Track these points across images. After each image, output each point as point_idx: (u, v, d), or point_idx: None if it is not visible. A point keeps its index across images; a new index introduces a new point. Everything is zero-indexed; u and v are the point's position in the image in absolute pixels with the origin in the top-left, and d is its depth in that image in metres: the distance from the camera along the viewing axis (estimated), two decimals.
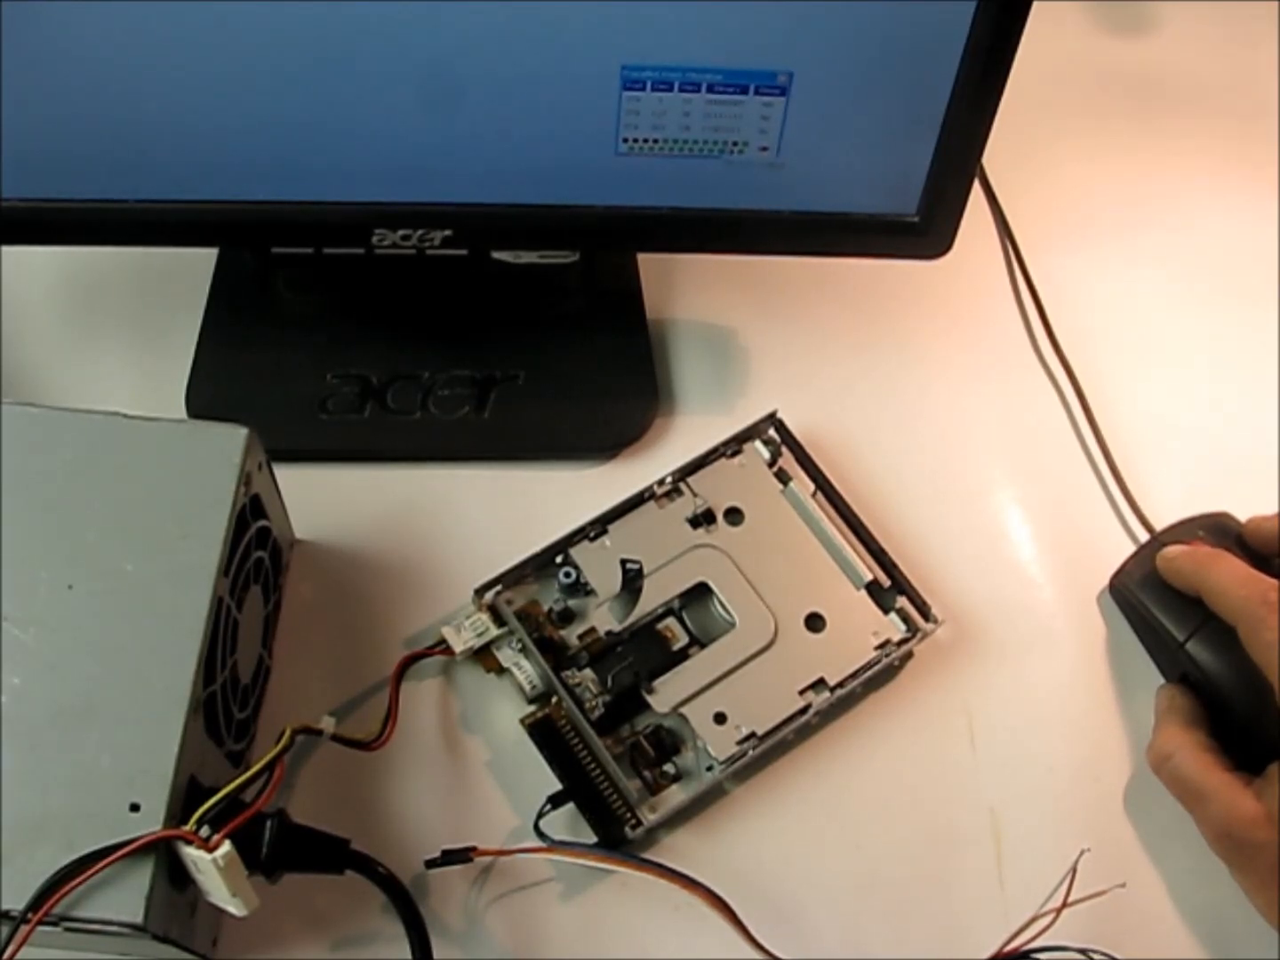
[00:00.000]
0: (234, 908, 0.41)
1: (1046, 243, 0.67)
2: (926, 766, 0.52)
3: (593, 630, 0.52)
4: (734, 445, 0.57)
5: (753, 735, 0.50)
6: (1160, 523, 0.57)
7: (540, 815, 0.48)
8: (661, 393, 0.60)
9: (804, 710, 0.51)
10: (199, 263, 0.62)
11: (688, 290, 0.64)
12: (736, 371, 0.62)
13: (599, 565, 0.53)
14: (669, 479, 0.55)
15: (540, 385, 0.60)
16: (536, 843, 0.48)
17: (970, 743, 0.53)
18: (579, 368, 0.60)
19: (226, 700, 0.45)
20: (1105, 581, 0.57)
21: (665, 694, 0.50)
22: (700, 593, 0.53)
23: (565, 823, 0.49)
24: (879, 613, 0.53)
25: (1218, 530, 0.55)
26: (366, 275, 0.61)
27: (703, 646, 0.52)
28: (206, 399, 0.58)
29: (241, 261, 0.62)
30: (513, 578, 0.53)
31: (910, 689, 0.54)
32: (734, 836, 0.50)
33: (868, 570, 0.54)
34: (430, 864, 0.47)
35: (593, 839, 0.48)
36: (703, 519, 0.55)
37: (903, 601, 0.54)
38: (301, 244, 0.55)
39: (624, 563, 0.53)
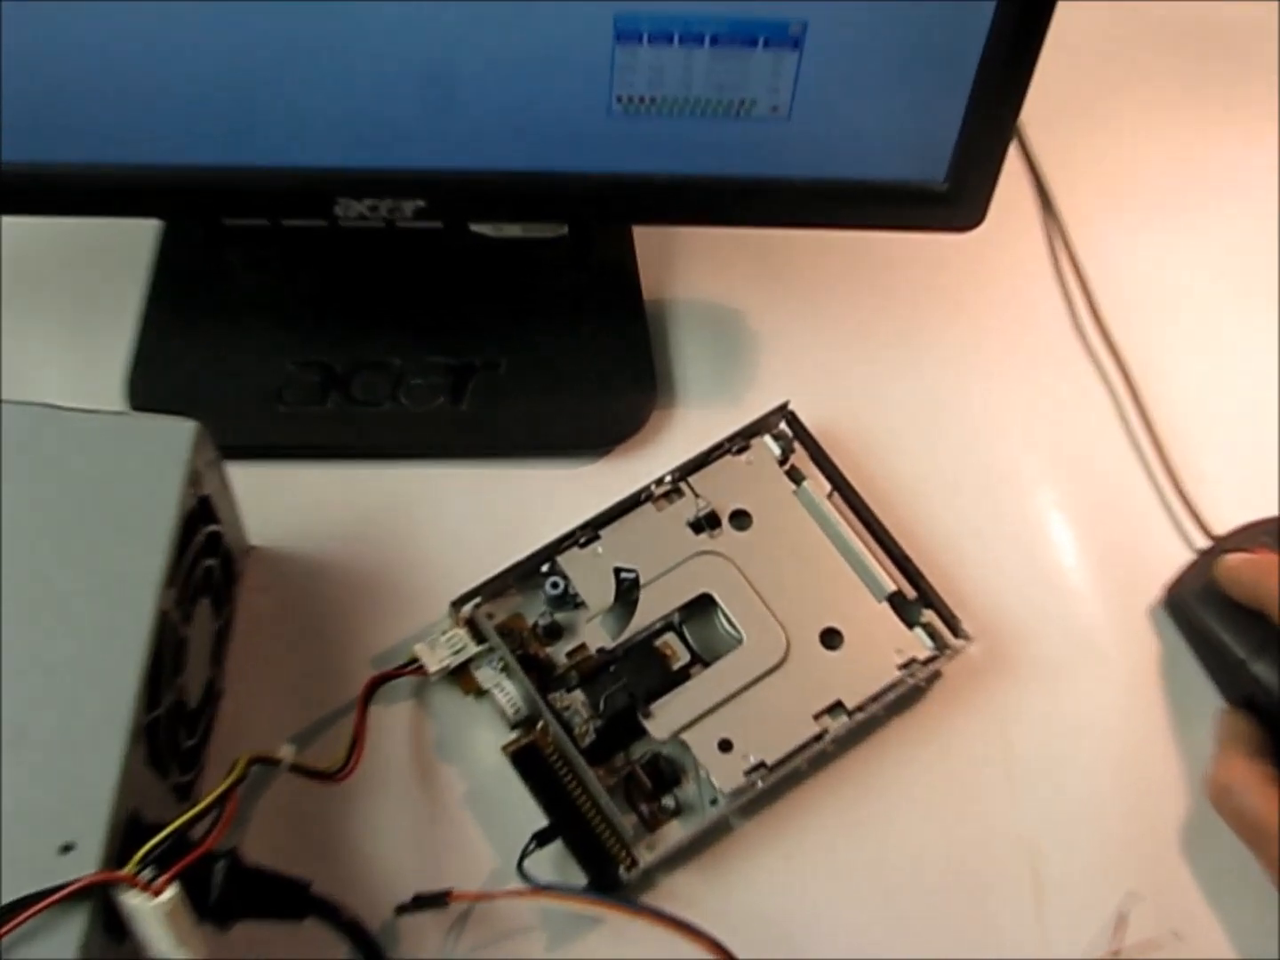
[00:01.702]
0: None
1: (1091, 214, 0.67)
2: (958, 800, 0.52)
3: (583, 647, 0.52)
4: (741, 441, 0.57)
5: (762, 765, 0.50)
6: (1220, 527, 0.57)
7: (524, 854, 0.48)
8: (660, 382, 0.61)
9: (819, 737, 0.51)
10: (141, 236, 0.62)
11: (689, 268, 0.64)
12: (744, 358, 0.62)
13: (590, 575, 0.53)
14: (668, 478, 0.55)
15: (524, 374, 0.60)
16: (520, 885, 0.48)
17: (1006, 774, 0.53)
18: (568, 354, 0.60)
19: (172, 727, 0.45)
20: (1158, 593, 0.57)
21: (664, 718, 0.50)
22: (703, 605, 0.53)
23: (552, 863, 0.49)
24: (903, 628, 0.53)
25: None
26: (329, 251, 0.61)
27: (706, 665, 0.52)
28: (149, 389, 0.58)
29: (189, 235, 0.62)
30: (493, 589, 0.53)
31: (939, 713, 0.54)
32: (741, 878, 0.50)
33: (890, 580, 0.54)
34: (401, 909, 0.47)
35: (583, 881, 0.48)
36: (706, 523, 0.55)
37: (929, 615, 0.54)
38: (256, 215, 0.55)
39: (618, 572, 0.53)
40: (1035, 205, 0.68)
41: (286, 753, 0.47)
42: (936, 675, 0.54)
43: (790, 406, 0.58)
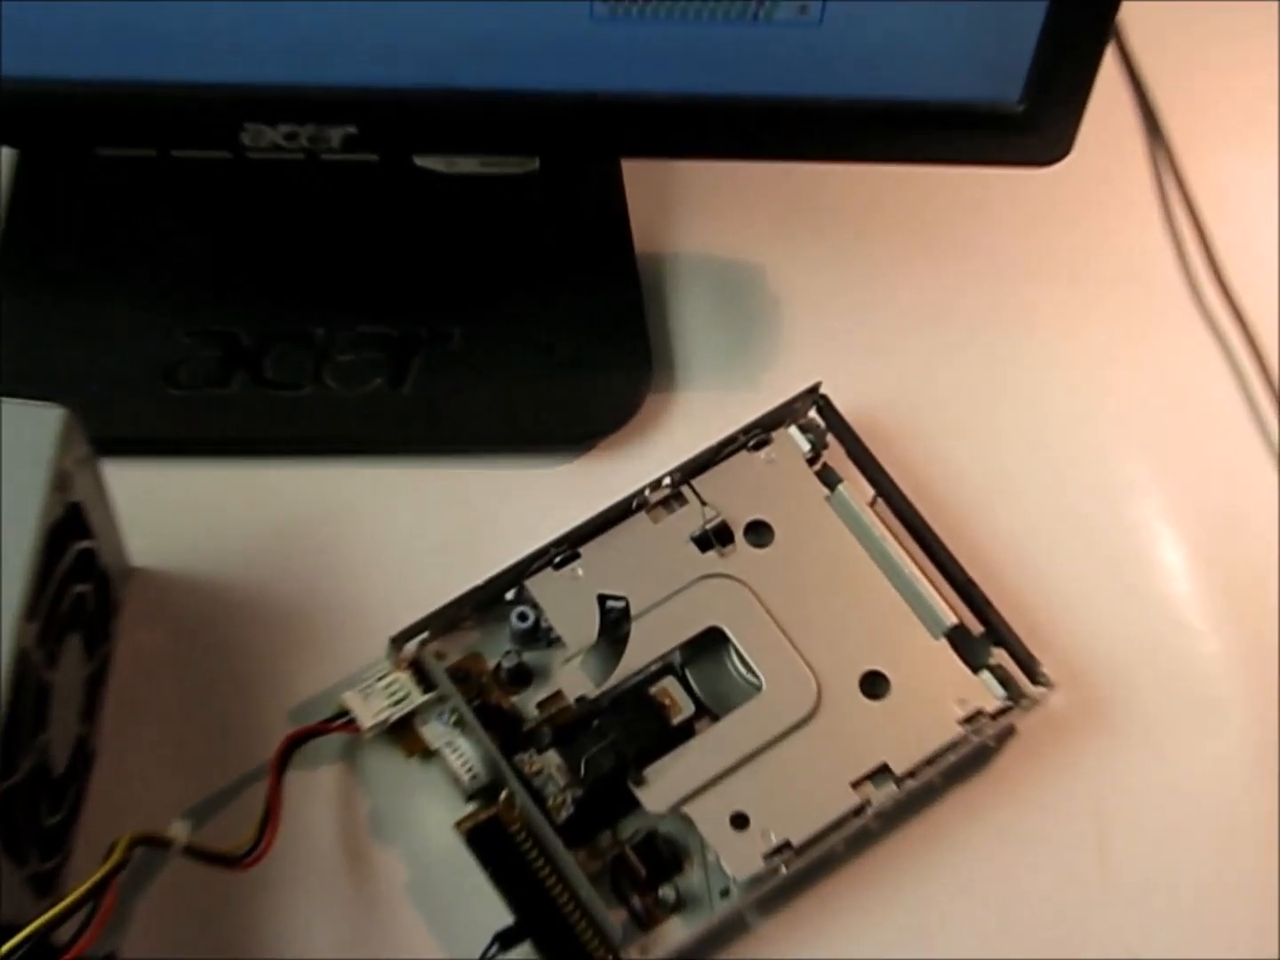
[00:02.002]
0: None
1: (1210, 144, 0.67)
2: (1037, 892, 0.52)
3: (558, 696, 0.52)
4: (759, 433, 0.57)
5: (786, 846, 0.50)
6: None
7: None
8: (657, 358, 0.61)
9: (859, 811, 0.51)
10: None
11: (694, 214, 0.64)
12: (762, 328, 0.62)
13: (568, 603, 0.53)
14: (667, 481, 0.55)
15: (483, 348, 0.60)
16: None
17: (1100, 859, 0.53)
18: (539, 323, 0.61)
19: (31, 799, 0.45)
20: None
21: (661, 787, 0.50)
22: (711, 643, 0.53)
23: None
24: (966, 672, 0.53)
25: None
26: (234, 191, 0.61)
27: (715, 719, 0.52)
28: (4, 367, 0.58)
29: (52, 171, 0.62)
30: (444, 622, 0.53)
31: (1012, 781, 0.54)
32: None
33: (950, 611, 0.54)
34: None
35: None
36: (715, 538, 0.55)
37: (1001, 656, 0.54)
38: (139, 144, 0.55)
39: (603, 600, 0.53)
40: (1139, 132, 0.68)
41: (179, 831, 0.47)
42: (1009, 732, 0.54)
43: (822, 389, 0.58)
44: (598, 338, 0.61)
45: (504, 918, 0.49)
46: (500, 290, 0.61)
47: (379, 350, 0.60)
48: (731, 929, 0.51)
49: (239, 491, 0.57)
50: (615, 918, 0.49)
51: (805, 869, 0.50)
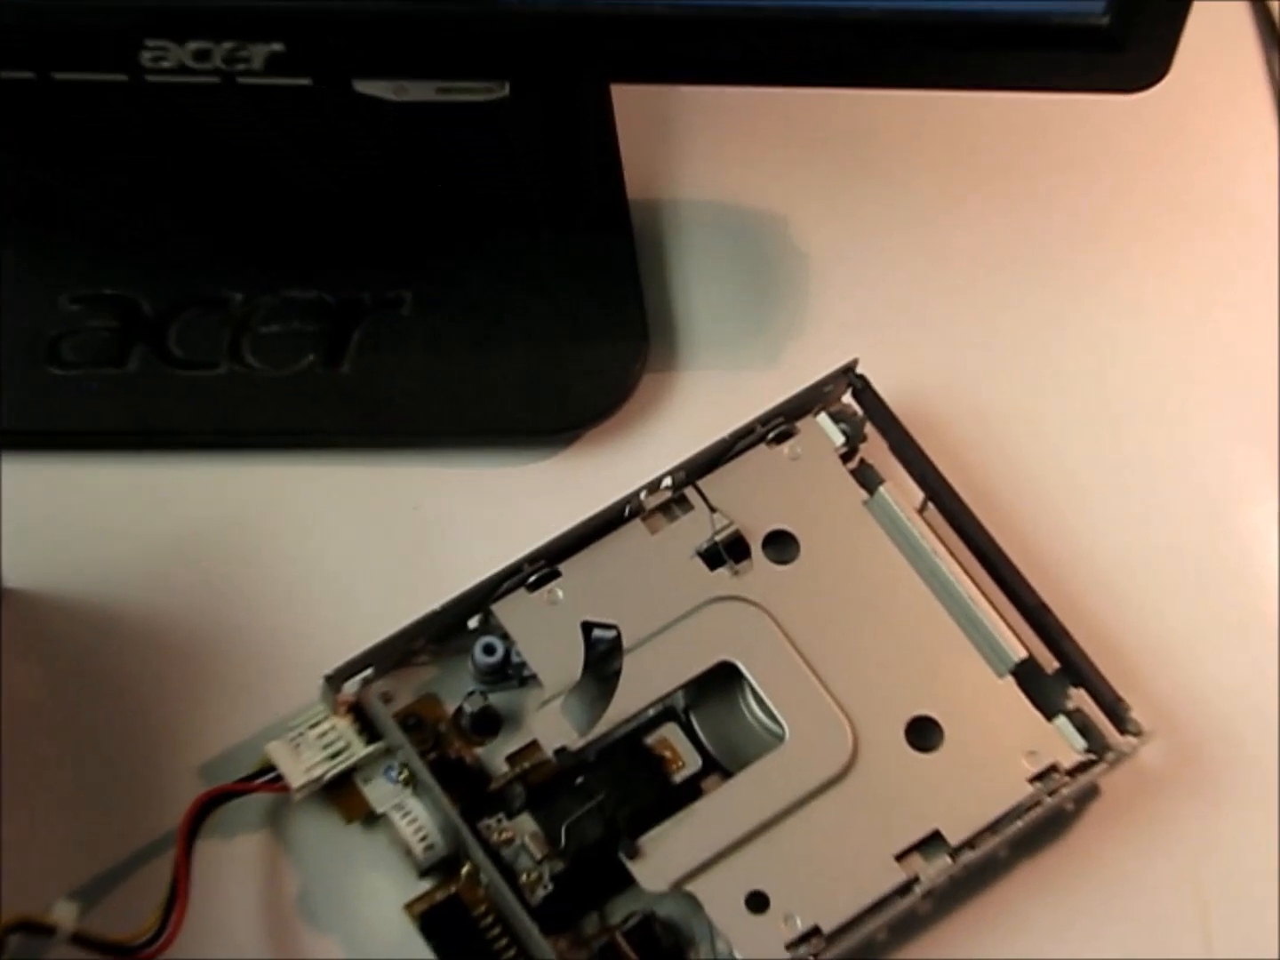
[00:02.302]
0: None
1: None
2: None
3: (534, 748, 0.53)
4: (781, 422, 0.58)
5: (814, 933, 0.50)
6: None
7: None
8: (654, 330, 0.62)
9: (906, 889, 0.51)
10: None
11: (699, 154, 0.65)
12: (783, 291, 0.63)
13: (545, 633, 0.54)
14: (668, 482, 0.56)
15: (440, 317, 0.61)
16: None
17: (1205, 943, 0.54)
18: (509, 287, 0.61)
19: None
20: None
21: (661, 860, 0.51)
22: (723, 682, 0.54)
23: None
24: (1039, 718, 0.54)
25: None
26: (133, 123, 0.62)
27: (726, 776, 0.53)
28: None
29: None
30: (393, 656, 0.53)
31: (1094, 852, 0.54)
32: None
33: (1018, 643, 0.55)
34: None
35: None
36: (727, 552, 0.56)
37: (1080, 698, 0.54)
38: (12, 65, 0.54)
39: (589, 629, 0.54)
40: (1256, 48, 0.69)
41: (64, 915, 0.47)
42: (1091, 792, 0.55)
43: (859, 368, 0.58)
44: (582, 304, 0.61)
45: None
46: (461, 246, 0.62)
47: (311, 320, 0.60)
48: None
49: (137, 495, 0.58)
50: None
51: None
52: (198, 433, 0.59)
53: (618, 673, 0.53)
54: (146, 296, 0.60)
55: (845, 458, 0.58)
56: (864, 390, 0.59)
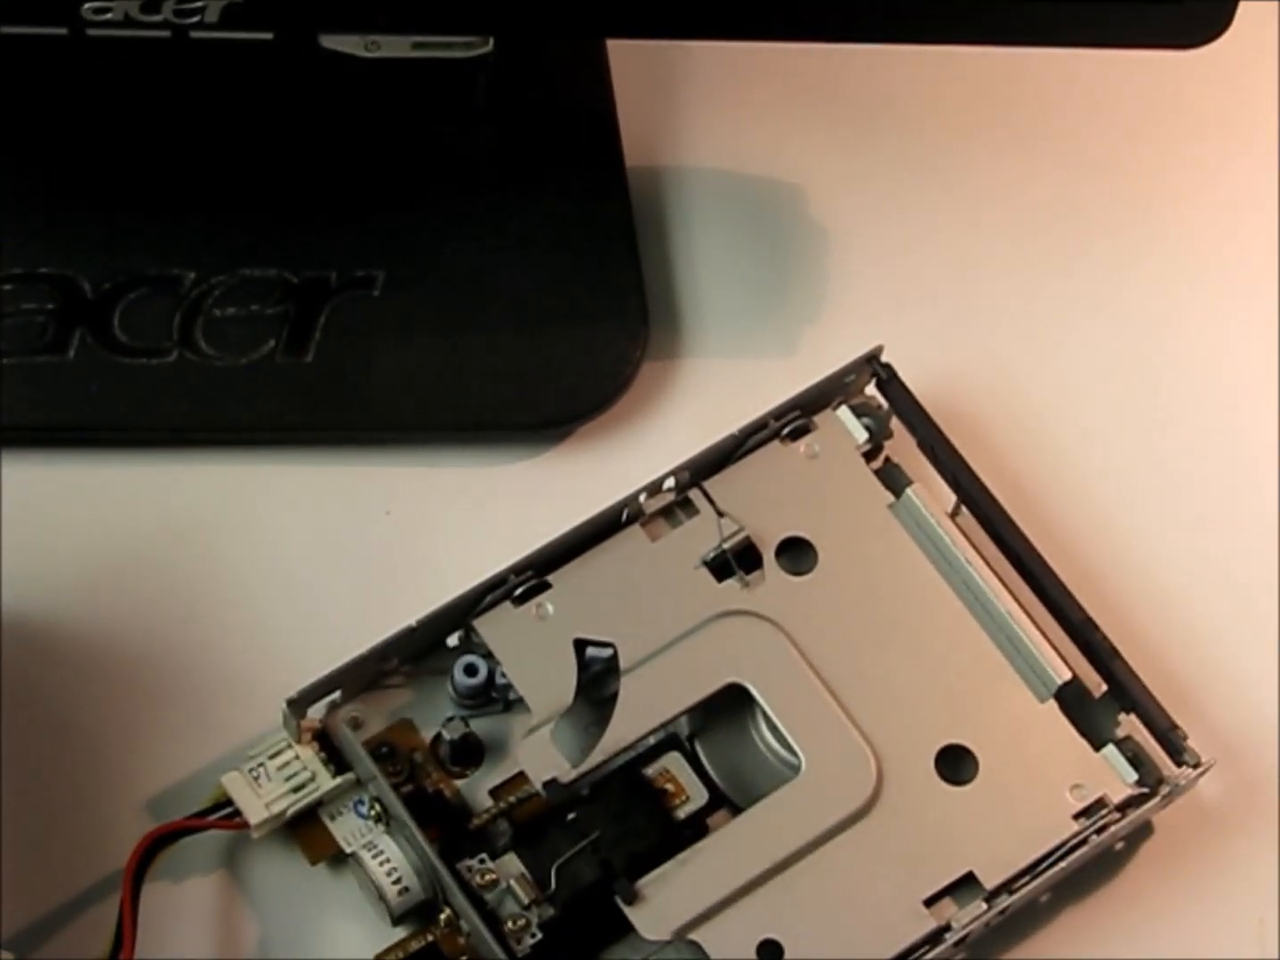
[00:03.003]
0: None
1: None
2: None
3: (520, 780, 0.51)
4: (797, 417, 0.56)
5: None
6: None
7: None
8: (655, 312, 0.60)
9: (936, 937, 0.50)
10: None
11: (703, 117, 0.64)
12: (798, 270, 0.62)
13: (533, 652, 0.52)
14: (671, 483, 0.55)
15: (415, 299, 0.59)
16: None
17: None
18: (492, 266, 0.60)
19: None
20: None
21: (662, 905, 0.50)
22: (732, 706, 0.53)
23: None
24: (1085, 746, 0.53)
25: None
26: (72, 82, 0.61)
27: (735, 812, 0.51)
28: None
29: None
30: (363, 677, 0.52)
31: (1147, 896, 0.54)
32: None
33: (1062, 663, 0.53)
34: None
35: None
36: (736, 561, 0.54)
37: (1131, 725, 0.53)
38: None
39: (582, 647, 0.52)
40: None
41: None
42: (1144, 830, 0.54)
43: (884, 356, 0.57)
44: (573, 283, 0.61)
45: None
46: (438, 220, 0.61)
47: (271, 302, 0.59)
48: None
49: (78, 498, 0.57)
50: None
51: None
52: (145, 428, 0.58)
53: (614, 696, 0.52)
54: (88, 276, 0.59)
55: (868, 456, 0.57)
56: (889, 381, 0.57)
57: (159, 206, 0.61)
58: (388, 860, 0.50)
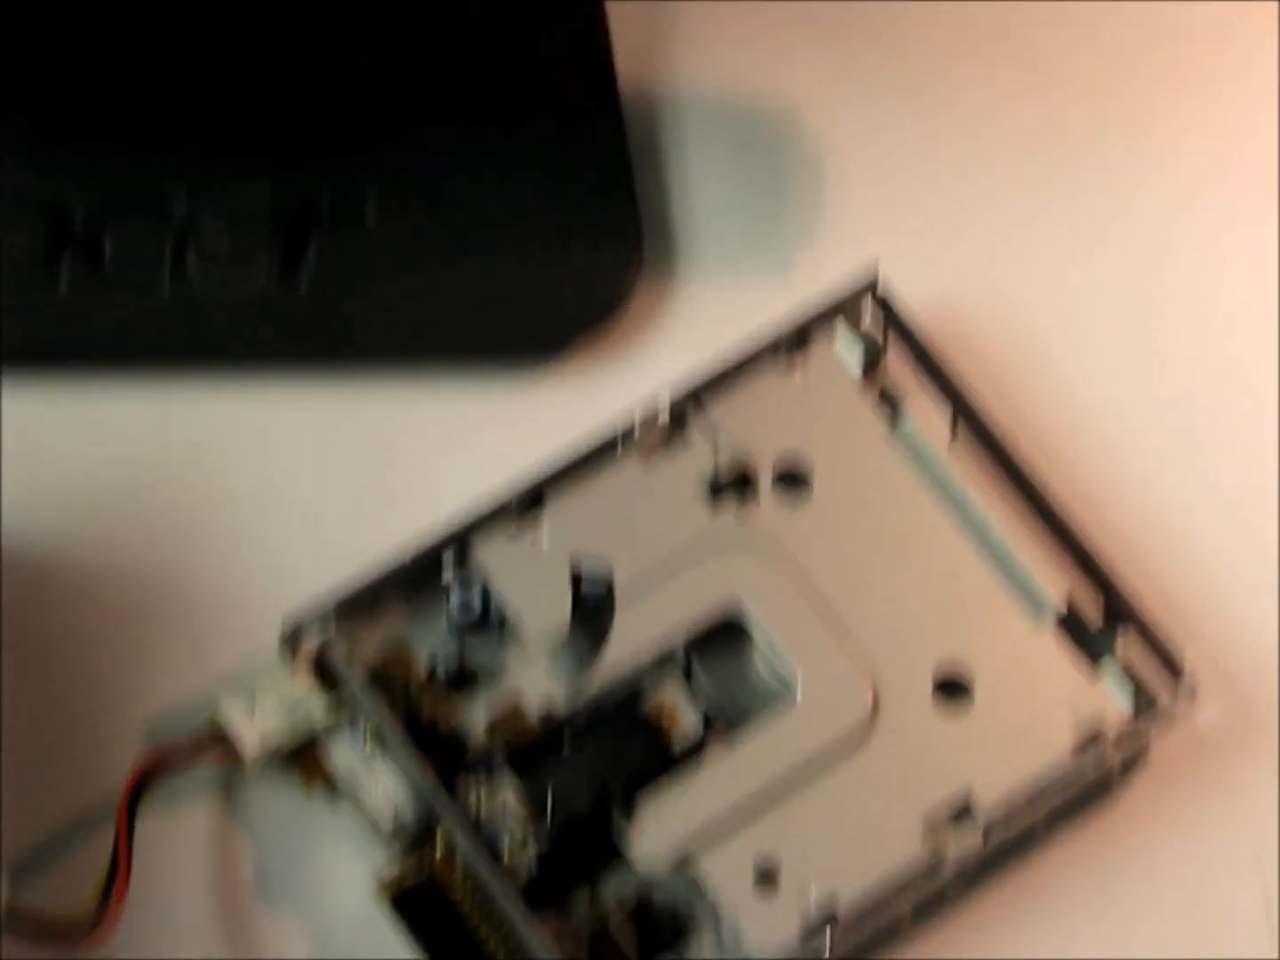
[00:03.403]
0: None
1: None
2: None
3: (516, 707, 0.51)
4: (793, 340, 0.56)
5: (831, 914, 0.49)
6: None
7: None
8: (649, 233, 0.60)
9: (932, 864, 0.50)
10: None
11: (698, 33, 0.64)
12: (794, 189, 0.62)
13: (528, 579, 0.53)
14: (665, 407, 0.55)
15: (408, 221, 0.59)
16: None
17: (1270, 929, 0.53)
18: (483, 185, 0.60)
19: None
20: None
21: (659, 832, 0.50)
22: (728, 633, 0.53)
23: None
24: (1083, 671, 0.53)
25: None
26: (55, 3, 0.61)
27: (731, 739, 0.52)
28: None
29: None
30: (358, 605, 0.52)
31: (1144, 823, 0.54)
32: None
33: (1060, 589, 0.54)
34: None
35: None
36: (731, 487, 0.54)
37: (1132, 650, 0.53)
38: None
39: (577, 574, 0.53)
40: None
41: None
42: (1141, 755, 0.54)
43: (882, 277, 0.57)
44: (565, 204, 0.60)
45: None
46: (430, 139, 0.61)
47: (261, 225, 0.59)
48: None
49: (67, 426, 0.57)
50: None
51: (856, 945, 0.50)
52: (136, 360, 0.58)
53: (610, 621, 0.52)
54: (75, 200, 0.59)
55: (865, 380, 0.57)
56: (886, 304, 0.57)
57: (149, 136, 0.60)
58: (384, 788, 0.50)
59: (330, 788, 0.51)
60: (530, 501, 0.53)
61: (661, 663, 0.52)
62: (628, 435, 0.54)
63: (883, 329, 0.57)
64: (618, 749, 0.51)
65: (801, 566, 0.53)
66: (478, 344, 0.59)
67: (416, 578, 0.53)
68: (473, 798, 0.50)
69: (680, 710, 0.52)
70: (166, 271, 0.58)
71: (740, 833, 0.50)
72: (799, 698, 0.51)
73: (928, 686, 0.52)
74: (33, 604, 0.54)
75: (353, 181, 0.60)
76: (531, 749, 0.51)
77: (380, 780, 0.50)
